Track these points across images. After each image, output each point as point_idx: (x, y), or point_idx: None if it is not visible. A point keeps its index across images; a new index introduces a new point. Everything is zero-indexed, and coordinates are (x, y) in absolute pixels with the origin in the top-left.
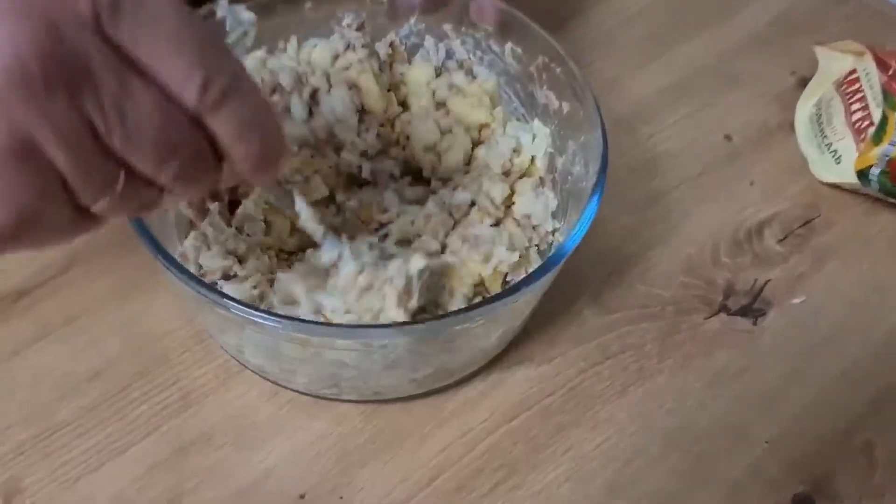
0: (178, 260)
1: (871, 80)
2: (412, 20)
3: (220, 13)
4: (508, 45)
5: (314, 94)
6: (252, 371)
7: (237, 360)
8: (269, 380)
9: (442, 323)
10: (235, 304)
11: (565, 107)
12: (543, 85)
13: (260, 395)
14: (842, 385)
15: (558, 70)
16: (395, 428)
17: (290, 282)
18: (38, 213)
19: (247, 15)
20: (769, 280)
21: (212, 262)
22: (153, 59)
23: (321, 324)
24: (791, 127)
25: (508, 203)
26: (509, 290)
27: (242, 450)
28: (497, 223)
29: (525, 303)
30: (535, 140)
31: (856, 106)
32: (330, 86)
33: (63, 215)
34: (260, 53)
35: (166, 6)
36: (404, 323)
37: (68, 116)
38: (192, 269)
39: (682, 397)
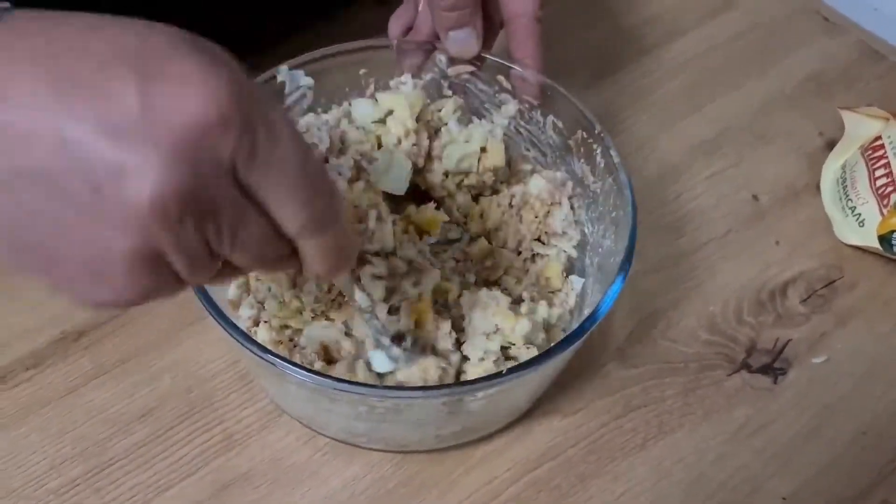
0: (228, 307)
1: (895, 146)
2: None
3: (280, 77)
4: (550, 118)
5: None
6: (290, 416)
7: (277, 405)
8: (304, 424)
9: (463, 389)
10: (282, 362)
11: (600, 181)
12: (581, 158)
13: (298, 438)
14: (860, 444)
15: (595, 146)
16: (425, 475)
17: None
18: (153, 291)
19: (305, 79)
20: (791, 339)
21: (245, 311)
22: (270, 200)
23: (350, 382)
24: (817, 187)
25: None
26: (515, 368)
27: (280, 491)
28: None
29: (532, 379)
30: None
31: (880, 171)
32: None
33: (170, 288)
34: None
35: (292, 156)
36: (429, 387)
37: (192, 239)
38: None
39: (702, 451)
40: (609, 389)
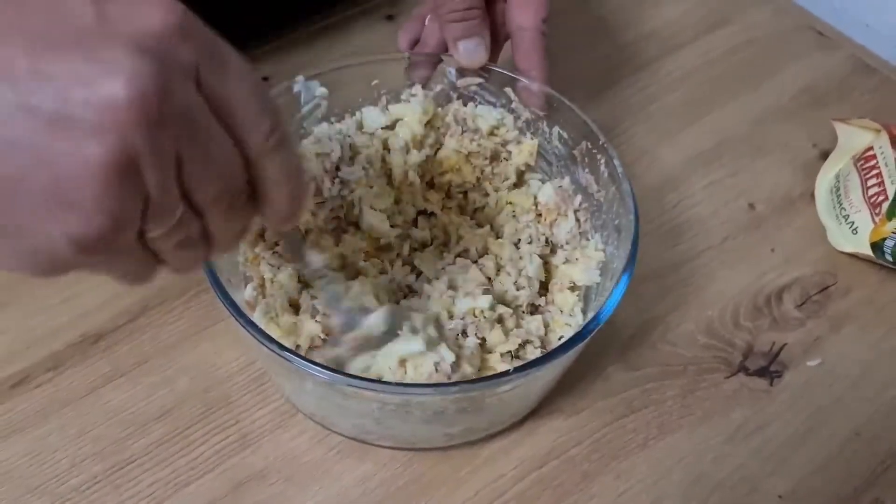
0: (244, 307)
1: (887, 157)
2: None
3: (296, 87)
4: (556, 129)
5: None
6: (304, 415)
7: (292, 404)
8: (316, 421)
9: (475, 385)
10: (296, 358)
11: (603, 190)
12: (585, 168)
13: (311, 438)
14: (853, 444)
15: (599, 157)
16: (434, 472)
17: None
18: (117, 229)
19: (320, 89)
20: (786, 343)
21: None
22: (235, 105)
23: (363, 378)
24: (812, 196)
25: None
26: (523, 366)
27: (294, 488)
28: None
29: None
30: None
31: (872, 181)
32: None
33: (129, 239)
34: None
35: (246, 70)
36: (439, 384)
37: (168, 147)
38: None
39: (701, 451)
40: (611, 391)
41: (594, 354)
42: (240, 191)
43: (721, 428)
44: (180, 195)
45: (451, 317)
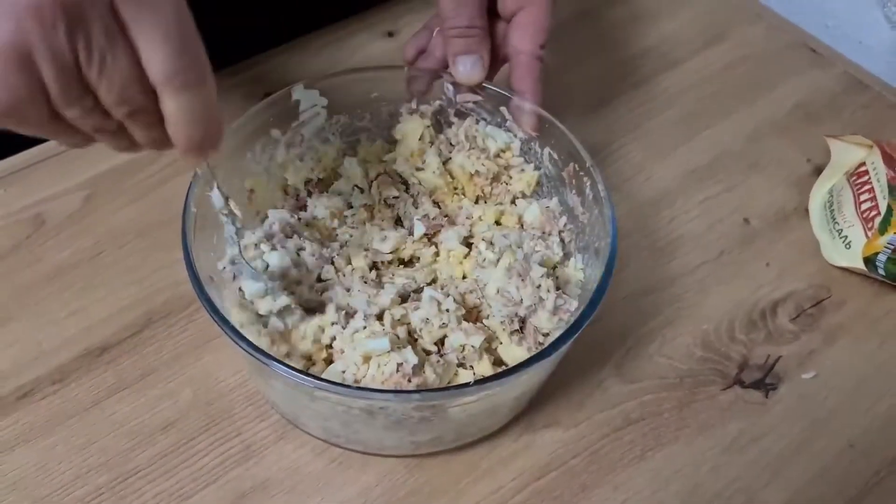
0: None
1: (879, 173)
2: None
3: (295, 95)
4: (547, 150)
5: None
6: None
7: (271, 404)
8: (289, 420)
9: (434, 395)
10: (266, 357)
11: (588, 213)
12: (573, 190)
13: (313, 449)
14: (848, 456)
15: (586, 179)
16: (435, 483)
17: None
18: (23, 104)
19: (319, 98)
20: (781, 356)
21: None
22: (141, 38)
23: (327, 381)
24: (806, 211)
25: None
26: (482, 380)
27: (296, 499)
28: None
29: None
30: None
31: (864, 196)
32: None
33: (42, 114)
34: None
35: (168, 5)
36: (399, 391)
37: (61, 45)
38: None
39: (697, 462)
40: (609, 403)
41: (592, 366)
42: (143, 108)
43: (717, 439)
44: (83, 91)
45: (439, 350)
